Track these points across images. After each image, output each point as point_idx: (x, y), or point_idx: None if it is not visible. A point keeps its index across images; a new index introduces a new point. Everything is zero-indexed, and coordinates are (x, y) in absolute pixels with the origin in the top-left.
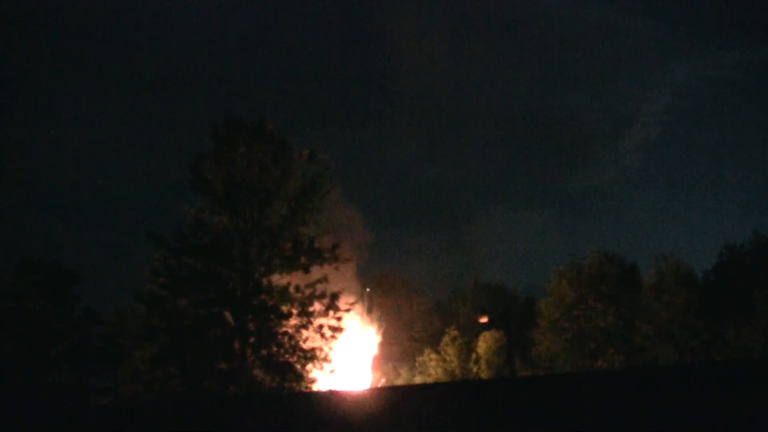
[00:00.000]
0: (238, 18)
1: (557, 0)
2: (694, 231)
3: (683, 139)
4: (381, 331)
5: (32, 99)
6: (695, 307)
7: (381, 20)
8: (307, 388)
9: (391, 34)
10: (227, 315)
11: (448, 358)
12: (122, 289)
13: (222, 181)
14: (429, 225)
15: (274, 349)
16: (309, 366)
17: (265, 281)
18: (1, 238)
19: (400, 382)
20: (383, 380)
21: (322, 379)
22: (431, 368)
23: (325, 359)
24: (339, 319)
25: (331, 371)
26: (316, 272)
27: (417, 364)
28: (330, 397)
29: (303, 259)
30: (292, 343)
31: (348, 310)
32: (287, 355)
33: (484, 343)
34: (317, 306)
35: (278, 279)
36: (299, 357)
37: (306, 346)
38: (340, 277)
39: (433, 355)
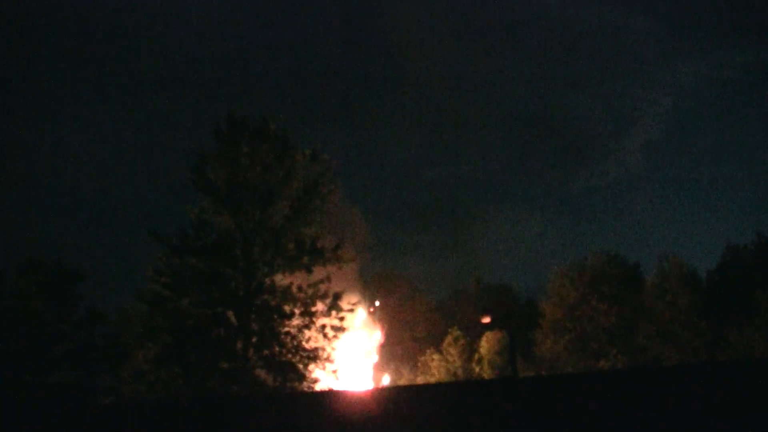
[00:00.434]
0: (240, 18)
1: (560, 0)
2: (696, 231)
3: (686, 140)
4: (383, 332)
5: (33, 99)
6: (698, 308)
7: (382, 20)
8: (309, 388)
9: (393, 34)
10: (230, 315)
11: (450, 358)
12: (125, 288)
13: (225, 180)
14: (431, 225)
15: (277, 349)
16: (311, 366)
17: (267, 281)
18: (4, 237)
19: (402, 382)
20: (389, 379)
21: (325, 379)
22: (434, 368)
23: (327, 359)
24: (341, 319)
25: (334, 371)
26: (318, 272)
27: (419, 364)
28: (332, 397)
29: (306, 259)
30: (295, 343)
31: (350, 310)
32: (290, 355)
33: (486, 344)
34: (320, 306)
35: (281, 279)
36: (302, 357)
37: (308, 346)
38: (342, 277)
39: (436, 356)
